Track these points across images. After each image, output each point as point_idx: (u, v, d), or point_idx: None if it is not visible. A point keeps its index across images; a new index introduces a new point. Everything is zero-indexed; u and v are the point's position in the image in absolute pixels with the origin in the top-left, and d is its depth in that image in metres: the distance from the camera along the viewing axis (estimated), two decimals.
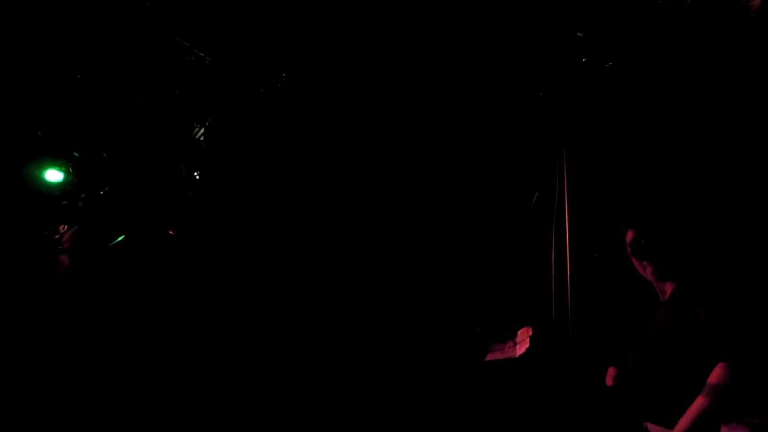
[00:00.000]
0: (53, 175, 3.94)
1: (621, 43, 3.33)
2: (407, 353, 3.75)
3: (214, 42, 3.72)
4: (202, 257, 3.79)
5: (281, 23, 3.65)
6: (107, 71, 3.76)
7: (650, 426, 2.55)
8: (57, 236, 3.38)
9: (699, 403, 2.33)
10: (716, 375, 2.33)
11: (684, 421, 2.33)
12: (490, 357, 3.36)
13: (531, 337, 3.16)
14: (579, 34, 3.30)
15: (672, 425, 2.38)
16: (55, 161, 3.87)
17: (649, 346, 2.66)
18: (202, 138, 3.90)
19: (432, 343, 3.73)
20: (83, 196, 3.74)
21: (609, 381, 2.74)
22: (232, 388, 3.62)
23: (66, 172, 3.89)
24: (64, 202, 3.75)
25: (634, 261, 2.75)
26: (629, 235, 2.75)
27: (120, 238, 3.30)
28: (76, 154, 3.76)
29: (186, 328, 3.62)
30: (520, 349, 3.20)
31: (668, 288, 2.70)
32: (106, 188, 3.72)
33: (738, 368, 2.31)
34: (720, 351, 2.36)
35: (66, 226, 3.37)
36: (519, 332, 3.27)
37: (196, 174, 3.67)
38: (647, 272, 2.73)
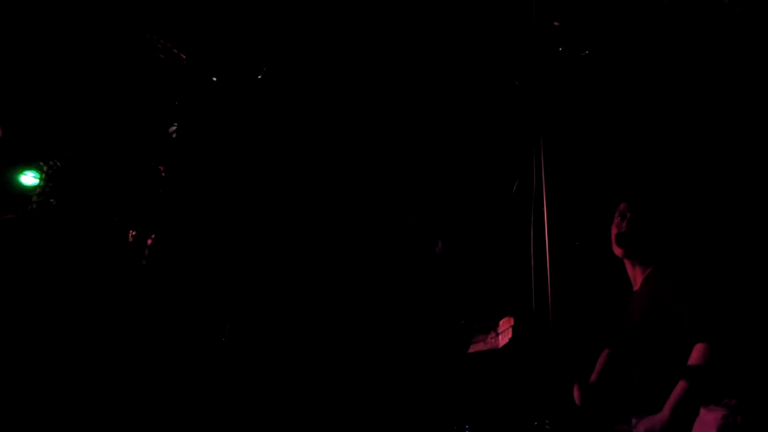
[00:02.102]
0: (29, 179, 3.90)
1: (597, 32, 3.34)
2: (391, 347, 3.75)
3: (191, 39, 3.68)
4: (182, 258, 3.76)
5: (258, 20, 3.62)
6: (81, 70, 3.72)
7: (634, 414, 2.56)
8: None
9: (681, 386, 2.34)
10: (695, 356, 2.35)
11: (669, 405, 2.34)
12: (473, 348, 3.36)
13: (513, 327, 3.16)
14: (555, 23, 3.30)
15: (655, 411, 2.40)
16: (31, 164, 3.82)
17: (625, 336, 2.67)
18: (177, 136, 3.87)
19: (415, 336, 3.73)
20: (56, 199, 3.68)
21: (576, 399, 2.73)
22: (213, 390, 3.59)
23: (42, 175, 3.83)
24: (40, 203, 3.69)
25: (614, 247, 2.76)
26: (614, 220, 2.76)
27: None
28: (51, 163, 3.70)
29: (164, 329, 3.59)
30: (503, 339, 3.20)
31: (639, 276, 2.71)
32: (82, 190, 3.67)
33: (716, 348, 2.33)
34: (696, 332, 2.38)
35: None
36: (501, 322, 3.27)
37: (166, 172, 3.64)
38: (623, 259, 2.74)
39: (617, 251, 2.73)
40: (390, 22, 3.44)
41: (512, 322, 3.19)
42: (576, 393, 2.70)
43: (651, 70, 3.35)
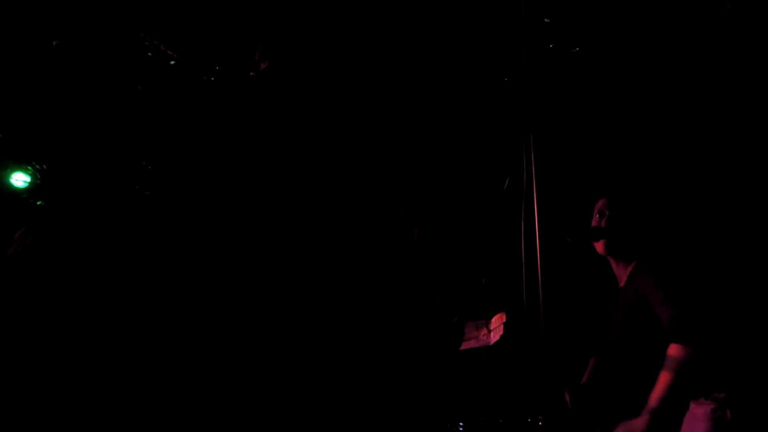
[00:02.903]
0: (19, 179, 3.88)
1: (587, 29, 3.35)
2: (382, 345, 3.74)
3: (180, 37, 3.67)
4: (174, 257, 3.74)
5: (249, 18, 3.61)
6: (71, 69, 3.70)
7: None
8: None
9: (660, 382, 2.35)
10: (671, 355, 2.35)
11: (647, 407, 2.34)
12: (464, 345, 3.36)
13: (505, 324, 3.16)
14: (545, 20, 3.30)
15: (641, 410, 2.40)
16: (21, 165, 3.80)
17: (613, 335, 2.67)
18: (168, 135, 3.85)
19: (407, 333, 3.73)
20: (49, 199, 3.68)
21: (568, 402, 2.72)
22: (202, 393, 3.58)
23: (33, 176, 3.82)
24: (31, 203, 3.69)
25: (595, 244, 2.75)
26: (593, 217, 2.76)
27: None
28: (39, 166, 3.70)
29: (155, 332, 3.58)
30: (495, 336, 3.19)
31: (623, 273, 2.71)
32: (73, 189, 3.67)
33: (691, 345, 2.33)
34: (672, 330, 2.38)
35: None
36: (493, 319, 3.27)
37: (157, 171, 3.63)
38: (607, 256, 2.74)
39: (598, 248, 2.73)
40: (377, 18, 3.44)
41: (504, 318, 3.18)
42: (567, 396, 2.70)
43: (641, 66, 3.36)
